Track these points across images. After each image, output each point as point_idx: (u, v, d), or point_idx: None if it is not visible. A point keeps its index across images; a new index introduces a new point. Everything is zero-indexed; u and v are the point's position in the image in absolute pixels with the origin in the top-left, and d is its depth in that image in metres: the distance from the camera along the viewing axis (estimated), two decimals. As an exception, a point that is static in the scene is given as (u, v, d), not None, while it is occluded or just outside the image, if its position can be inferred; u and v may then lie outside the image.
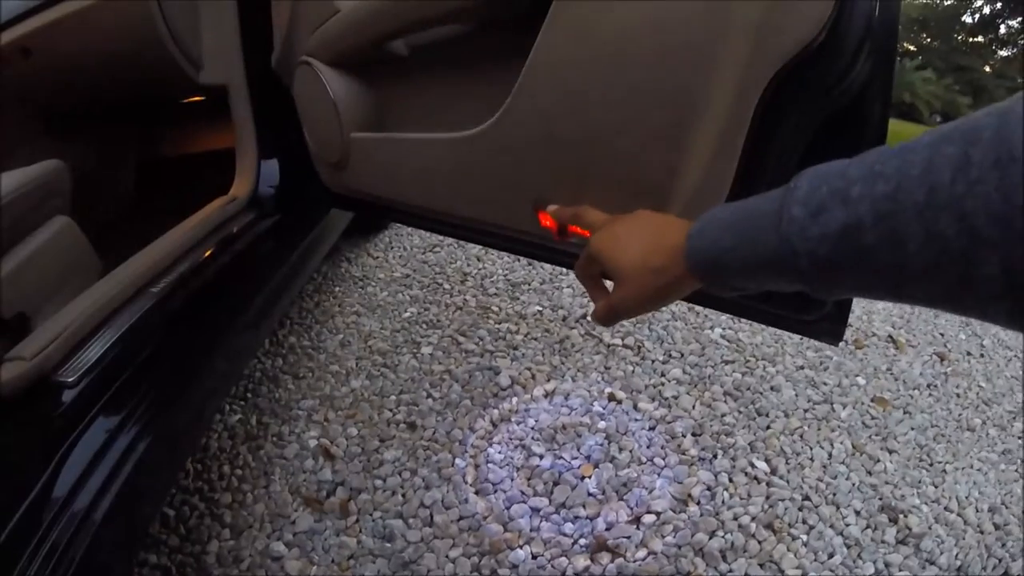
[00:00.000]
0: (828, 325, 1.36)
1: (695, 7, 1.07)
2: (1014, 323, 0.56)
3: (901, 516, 2.32)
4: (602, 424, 2.58)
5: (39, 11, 2.34)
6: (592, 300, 1.05)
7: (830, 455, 2.56)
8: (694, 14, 1.08)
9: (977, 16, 29.09)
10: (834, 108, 1.13)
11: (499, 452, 2.42)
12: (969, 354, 3.49)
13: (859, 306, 3.79)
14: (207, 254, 2.10)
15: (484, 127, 1.44)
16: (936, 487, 2.49)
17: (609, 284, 0.99)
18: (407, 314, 3.29)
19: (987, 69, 28.66)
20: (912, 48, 29.71)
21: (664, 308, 3.31)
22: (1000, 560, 2.23)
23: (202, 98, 2.84)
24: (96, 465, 1.31)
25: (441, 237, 4.02)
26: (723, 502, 2.29)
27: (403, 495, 2.24)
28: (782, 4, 1.03)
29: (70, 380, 1.45)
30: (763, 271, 0.73)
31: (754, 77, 1.09)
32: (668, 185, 1.22)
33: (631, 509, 2.23)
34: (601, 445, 2.47)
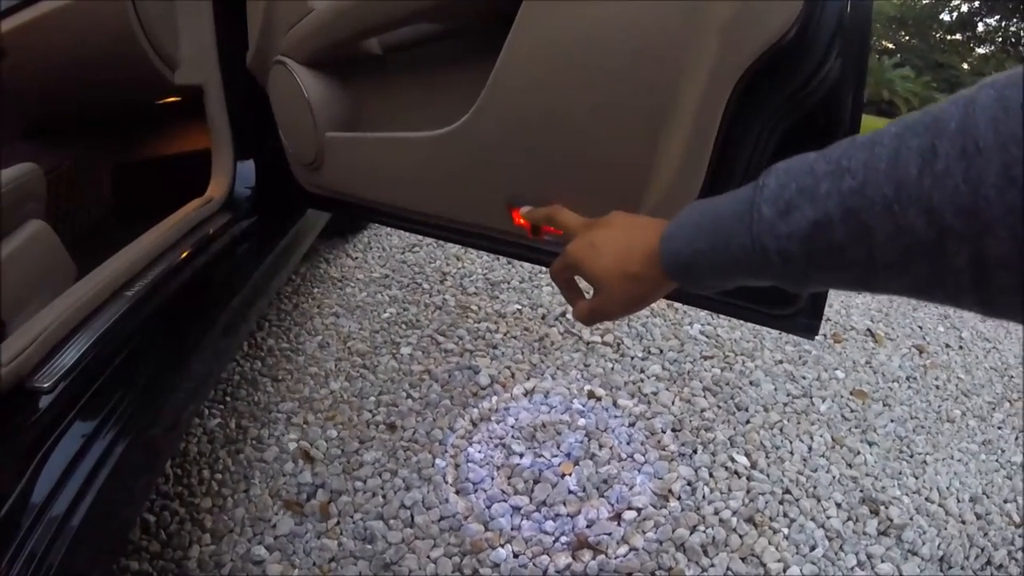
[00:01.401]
0: (804, 320, 1.37)
1: (663, 5, 1.07)
2: (985, 311, 0.56)
3: (882, 508, 2.33)
4: (582, 422, 2.58)
5: (13, 12, 2.31)
6: (568, 302, 1.06)
7: (810, 448, 2.57)
8: (662, 12, 1.08)
9: (955, 14, 29.30)
10: (805, 106, 1.14)
11: (479, 451, 2.42)
12: (948, 346, 3.51)
13: (837, 300, 3.81)
14: (183, 255, 2.09)
15: (456, 126, 1.44)
16: (917, 478, 2.51)
17: (586, 286, 0.99)
18: (386, 315, 3.28)
19: (965, 66, 28.87)
20: (891, 46, 29.90)
21: (643, 305, 3.32)
22: (983, 549, 2.25)
23: (178, 99, 2.82)
24: (73, 470, 1.30)
25: (420, 237, 4.00)
26: (703, 497, 2.29)
27: (383, 496, 2.23)
28: (751, 3, 1.03)
29: (46, 385, 1.44)
30: (737, 270, 0.74)
31: (724, 75, 1.09)
32: (640, 183, 1.22)
33: (612, 506, 2.23)
34: (581, 442, 2.48)
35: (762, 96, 1.12)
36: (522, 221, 1.40)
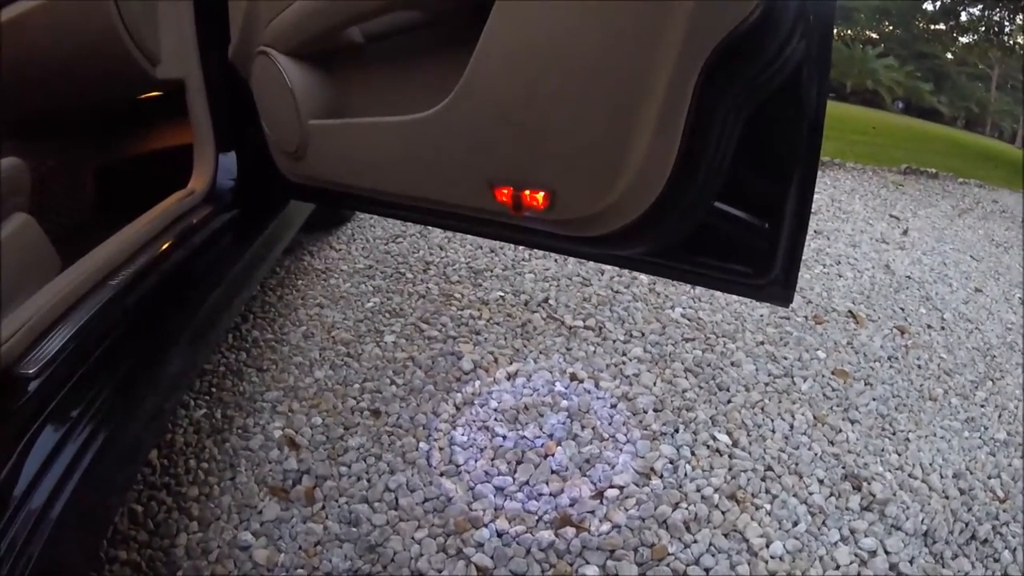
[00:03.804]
0: (778, 289, 1.41)
1: None
2: None
3: (865, 484, 2.35)
4: (564, 403, 2.60)
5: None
6: None
7: (791, 426, 2.59)
8: None
9: (938, 4, 29.32)
10: (771, 86, 1.18)
11: (463, 434, 2.44)
12: (930, 327, 3.54)
13: (819, 282, 3.84)
14: (165, 247, 2.09)
15: (438, 108, 1.47)
16: (899, 455, 2.53)
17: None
18: (370, 304, 3.29)
19: (949, 56, 28.94)
20: (874, 36, 30.01)
21: (624, 290, 3.35)
22: (967, 524, 2.27)
23: (160, 94, 2.81)
24: (56, 458, 1.31)
25: (404, 228, 4.04)
26: (686, 475, 2.32)
27: (368, 480, 2.25)
28: None
29: (32, 371, 1.44)
30: None
31: (692, 55, 1.13)
32: (614, 162, 1.26)
33: (594, 484, 2.26)
34: (564, 423, 2.50)
35: (729, 75, 1.16)
36: (503, 199, 1.43)
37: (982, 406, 2.91)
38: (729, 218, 1.36)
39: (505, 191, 1.43)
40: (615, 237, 1.41)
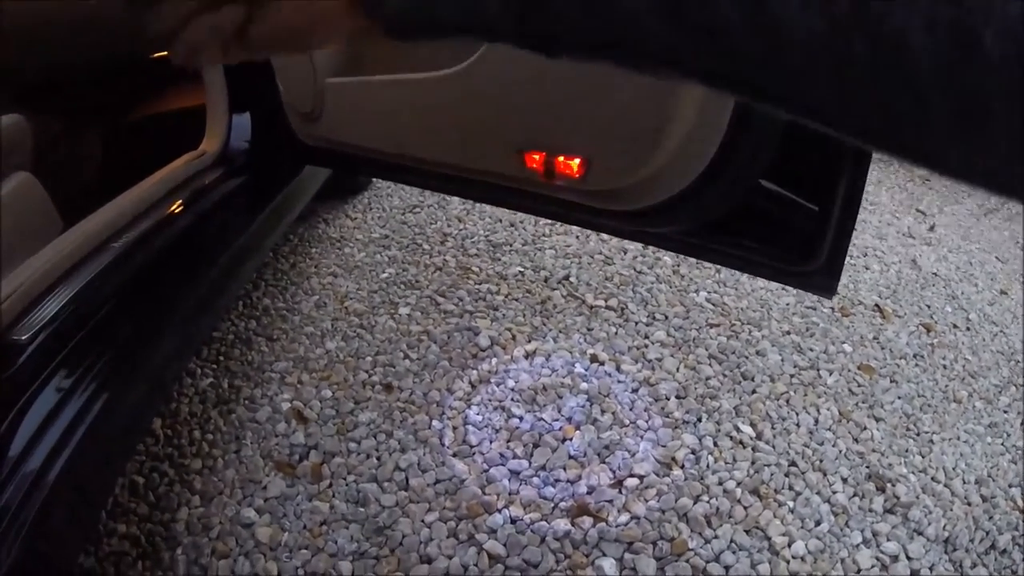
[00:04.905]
0: (822, 278, 1.35)
1: None
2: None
3: (889, 485, 2.29)
4: (584, 385, 2.54)
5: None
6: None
7: (816, 421, 2.53)
8: None
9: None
10: None
11: (478, 414, 2.39)
12: (955, 326, 3.46)
13: (846, 274, 3.76)
14: (172, 209, 2.04)
15: (464, 64, 1.39)
16: (923, 457, 2.47)
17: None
18: (385, 275, 3.24)
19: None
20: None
21: (647, 270, 3.27)
22: (987, 533, 2.21)
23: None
24: (50, 425, 1.28)
25: (421, 198, 3.98)
26: (708, 466, 2.26)
27: (378, 458, 2.20)
28: None
29: (24, 338, 1.40)
30: None
31: None
32: (661, 127, 1.18)
33: (613, 472, 2.20)
34: (583, 407, 2.45)
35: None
36: (534, 164, 1.35)
37: (1005, 412, 2.84)
38: (775, 198, 1.28)
39: (536, 156, 1.36)
40: (651, 212, 1.34)
